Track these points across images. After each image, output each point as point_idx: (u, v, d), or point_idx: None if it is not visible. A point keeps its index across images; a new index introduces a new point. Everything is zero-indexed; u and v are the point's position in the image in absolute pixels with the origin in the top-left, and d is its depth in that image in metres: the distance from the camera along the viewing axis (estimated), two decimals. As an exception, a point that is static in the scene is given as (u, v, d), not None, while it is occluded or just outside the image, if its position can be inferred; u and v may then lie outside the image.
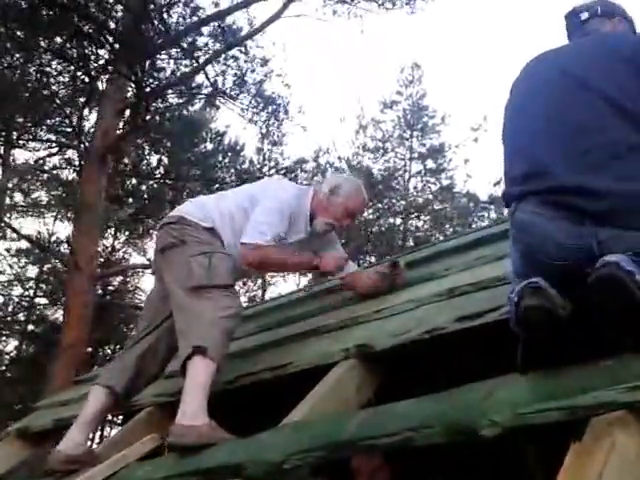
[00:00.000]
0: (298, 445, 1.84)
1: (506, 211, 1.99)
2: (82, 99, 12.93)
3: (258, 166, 18.05)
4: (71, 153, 14.23)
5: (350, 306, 3.00)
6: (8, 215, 16.52)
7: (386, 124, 22.22)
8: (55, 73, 12.45)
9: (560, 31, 2.23)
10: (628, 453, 1.32)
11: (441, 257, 3.33)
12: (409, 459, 2.62)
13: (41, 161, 14.79)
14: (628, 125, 1.72)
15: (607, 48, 1.93)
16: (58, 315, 16.65)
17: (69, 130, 13.17)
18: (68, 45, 11.49)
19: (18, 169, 15.21)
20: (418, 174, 21.78)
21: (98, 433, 15.82)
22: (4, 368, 18.58)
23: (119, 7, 11.16)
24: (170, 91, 13.26)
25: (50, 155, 14.59)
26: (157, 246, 2.90)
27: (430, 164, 21.83)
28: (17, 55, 12.00)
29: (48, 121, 13.34)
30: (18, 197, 17.29)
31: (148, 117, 12.79)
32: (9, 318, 18.43)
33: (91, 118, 13.53)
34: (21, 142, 14.10)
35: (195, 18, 12.22)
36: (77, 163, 13.14)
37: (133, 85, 11.23)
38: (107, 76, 12.07)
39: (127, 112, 12.27)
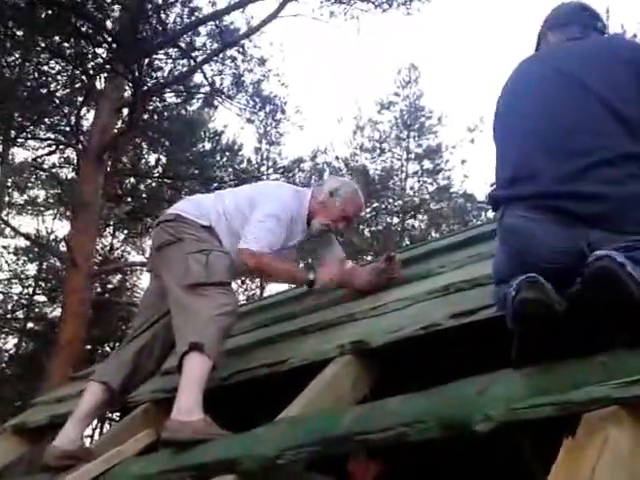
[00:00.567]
0: (293, 440, 1.84)
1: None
2: (80, 98, 12.95)
3: (256, 165, 18.10)
4: (69, 152, 14.24)
5: (346, 303, 3.01)
6: (6, 212, 16.49)
7: (383, 124, 22.23)
8: (53, 72, 12.48)
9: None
10: (621, 449, 1.32)
11: (436, 255, 3.33)
12: (404, 456, 2.63)
13: (40, 159, 14.76)
14: (623, 131, 1.72)
15: (606, 50, 1.92)
16: (57, 313, 16.60)
17: (67, 129, 13.16)
18: (66, 44, 11.52)
19: (16, 167, 15.17)
20: (415, 174, 21.76)
21: (98, 429, 15.81)
22: (3, 365, 18.56)
23: (117, 6, 11.18)
24: (168, 90, 13.31)
25: (49, 153, 14.57)
26: (154, 243, 2.91)
27: (427, 164, 21.81)
28: (15, 54, 12.00)
29: (46, 120, 13.31)
30: (16, 195, 17.27)
31: (146, 116, 12.83)
32: (8, 316, 18.42)
33: (89, 117, 13.58)
34: (19, 140, 14.08)
35: (193, 18, 12.23)
36: (75, 162, 13.11)
37: (131, 84, 11.22)
38: (105, 75, 12.10)
39: (125, 111, 12.28)
